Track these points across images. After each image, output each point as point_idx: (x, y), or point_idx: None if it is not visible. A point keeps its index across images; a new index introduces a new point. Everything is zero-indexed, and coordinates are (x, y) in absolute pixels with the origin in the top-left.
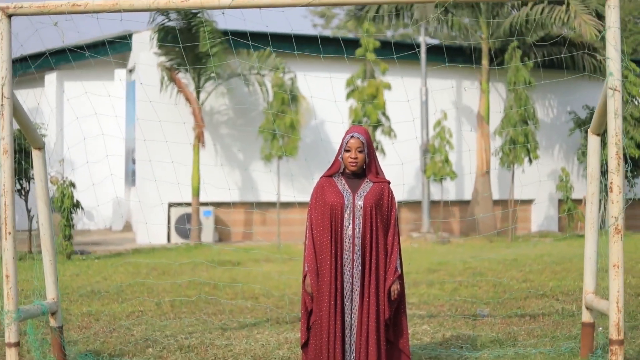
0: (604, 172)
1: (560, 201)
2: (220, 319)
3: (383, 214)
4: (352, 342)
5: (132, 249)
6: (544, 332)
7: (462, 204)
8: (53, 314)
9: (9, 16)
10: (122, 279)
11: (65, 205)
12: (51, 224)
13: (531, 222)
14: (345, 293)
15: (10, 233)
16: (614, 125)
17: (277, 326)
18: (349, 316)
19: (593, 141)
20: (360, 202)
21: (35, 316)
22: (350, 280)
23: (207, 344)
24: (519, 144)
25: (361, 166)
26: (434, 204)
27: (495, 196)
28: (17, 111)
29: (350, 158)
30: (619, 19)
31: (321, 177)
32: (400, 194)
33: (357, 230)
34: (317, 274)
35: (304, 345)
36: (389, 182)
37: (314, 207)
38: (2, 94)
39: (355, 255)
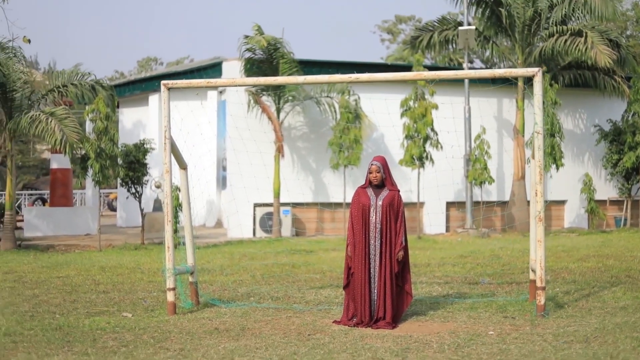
0: (627, 177)
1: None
2: (297, 285)
3: (394, 209)
4: (375, 285)
5: (225, 241)
6: (519, 290)
7: (503, 204)
8: (192, 273)
9: (169, 89)
10: (221, 262)
11: (173, 205)
12: (190, 216)
13: (564, 220)
14: (371, 256)
15: (170, 220)
16: (538, 155)
17: (336, 288)
18: (374, 270)
19: (532, 162)
20: (380, 202)
21: (182, 273)
22: (374, 249)
23: (289, 296)
24: (547, 154)
25: (381, 181)
26: (477, 204)
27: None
28: (172, 146)
29: (372, 177)
30: (542, 89)
31: (358, 187)
32: (447, 195)
33: (378, 219)
34: (354, 245)
35: (345, 287)
36: (398, 191)
37: (353, 205)
38: (165, 137)
39: (376, 234)
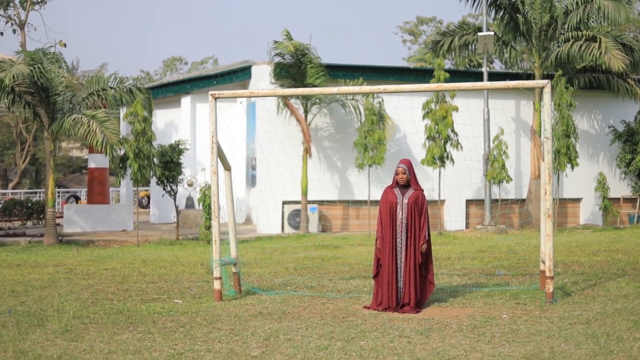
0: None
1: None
2: (329, 276)
3: (418, 207)
4: (401, 274)
5: (255, 237)
6: (531, 281)
7: (521, 201)
8: (234, 264)
9: (215, 98)
10: (254, 256)
11: (206, 203)
12: (234, 213)
13: (580, 217)
14: (397, 249)
15: (217, 217)
16: (547, 158)
17: (364, 278)
18: (400, 261)
19: (542, 165)
20: (405, 201)
21: (227, 264)
22: (400, 242)
23: (322, 285)
24: (562, 153)
25: (406, 181)
26: (495, 201)
27: None
28: (218, 149)
29: (399, 178)
30: (550, 98)
31: (386, 187)
32: (467, 193)
33: (404, 216)
34: (383, 238)
35: (375, 276)
36: (422, 190)
37: (382, 203)
38: (212, 141)
39: (402, 229)
